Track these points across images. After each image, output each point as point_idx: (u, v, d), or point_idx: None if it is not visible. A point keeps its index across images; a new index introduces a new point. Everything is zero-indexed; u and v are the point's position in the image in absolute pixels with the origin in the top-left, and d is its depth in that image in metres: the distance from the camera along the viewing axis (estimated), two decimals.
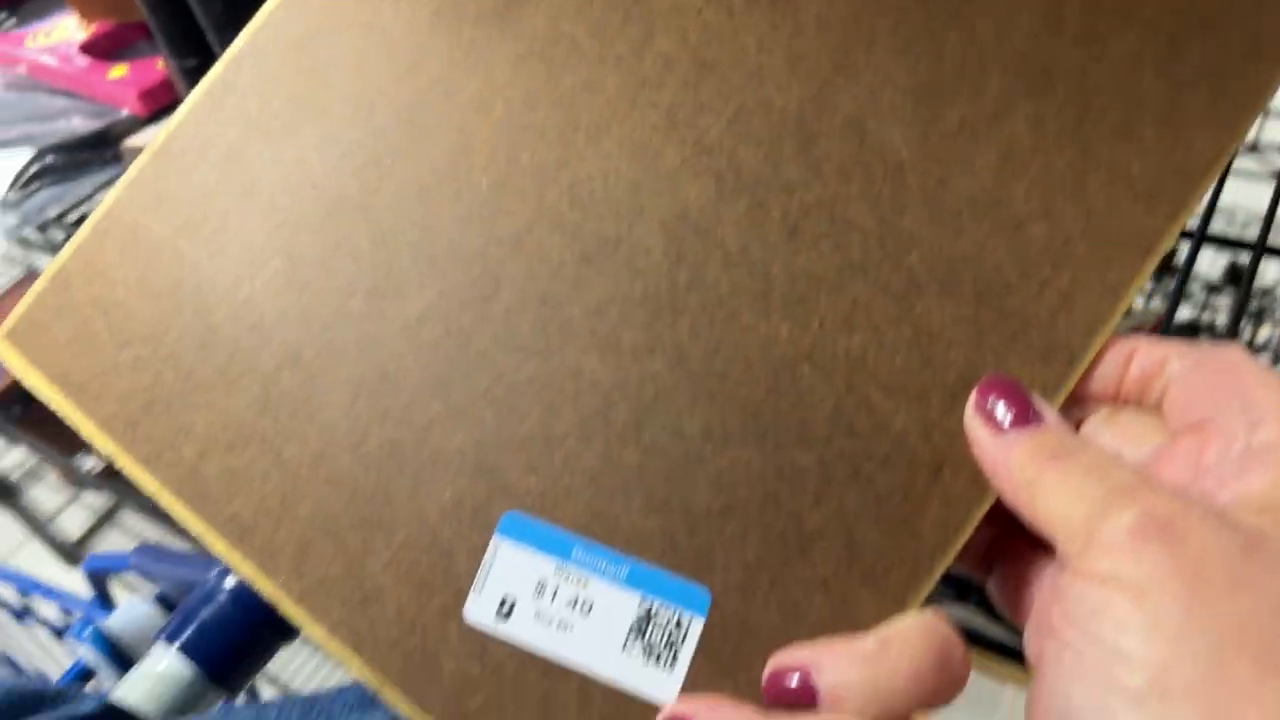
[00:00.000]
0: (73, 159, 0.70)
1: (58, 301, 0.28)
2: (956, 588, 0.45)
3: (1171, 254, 0.72)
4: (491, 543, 0.25)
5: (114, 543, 1.40)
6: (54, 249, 0.69)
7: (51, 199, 0.70)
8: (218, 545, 0.26)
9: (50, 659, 0.82)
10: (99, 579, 0.58)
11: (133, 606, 0.51)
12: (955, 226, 0.25)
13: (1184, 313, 0.96)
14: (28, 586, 0.62)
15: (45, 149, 0.69)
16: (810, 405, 0.25)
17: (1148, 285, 0.89)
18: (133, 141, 0.68)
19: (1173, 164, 0.24)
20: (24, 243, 0.71)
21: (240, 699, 0.45)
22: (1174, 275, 0.88)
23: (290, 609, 0.25)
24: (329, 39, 0.28)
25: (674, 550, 0.24)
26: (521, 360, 0.26)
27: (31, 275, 1.20)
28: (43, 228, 0.70)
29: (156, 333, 0.27)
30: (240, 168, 0.27)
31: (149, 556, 0.50)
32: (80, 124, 0.70)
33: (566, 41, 0.27)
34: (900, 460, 0.24)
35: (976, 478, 0.24)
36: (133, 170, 0.28)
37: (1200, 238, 0.44)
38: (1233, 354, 0.22)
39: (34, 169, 0.69)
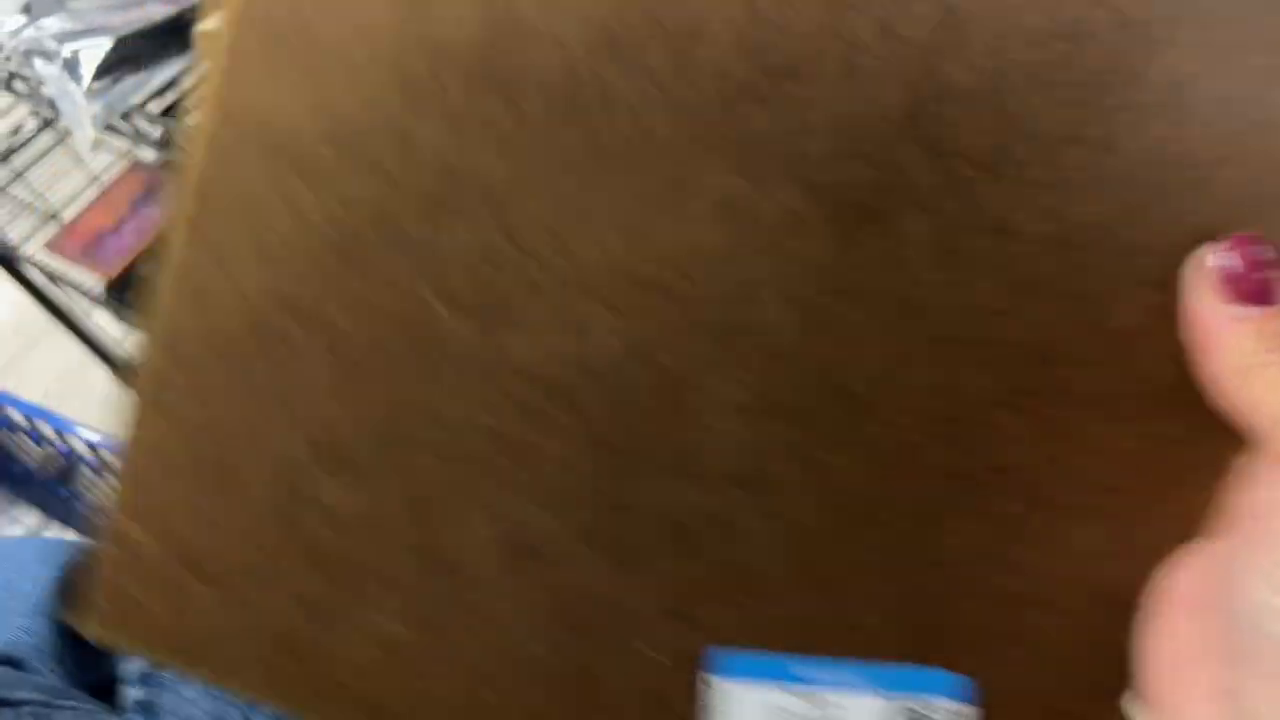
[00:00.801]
0: (151, 46, 0.71)
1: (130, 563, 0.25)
2: None
3: None
4: (710, 683, 0.23)
5: None
6: (139, 137, 0.71)
7: (134, 87, 0.71)
8: None
9: None
10: None
11: None
12: None
13: None
14: None
15: (125, 37, 0.71)
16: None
17: None
18: (205, 26, 0.69)
19: None
20: (111, 130, 0.73)
21: None
22: None
23: None
24: None
25: (900, 642, 0.22)
26: (683, 491, 0.23)
27: (137, 166, 1.25)
28: (126, 115, 0.72)
29: (256, 561, 0.24)
30: None
31: None
32: (155, 10, 0.70)
33: None
34: None
35: None
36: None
37: None
38: None
39: (115, 58, 0.71)
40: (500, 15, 0.22)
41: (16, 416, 0.75)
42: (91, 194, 1.27)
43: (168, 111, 0.73)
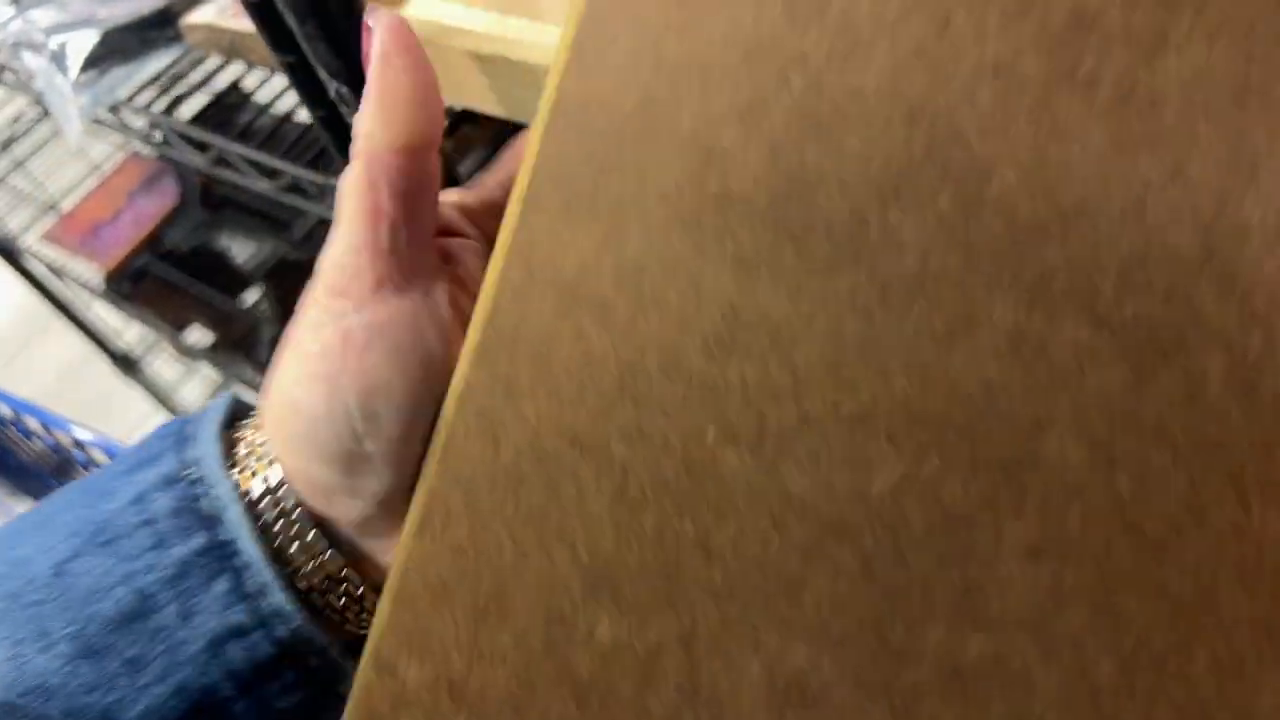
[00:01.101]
0: (138, 39, 0.70)
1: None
2: None
3: None
4: None
5: None
6: (126, 129, 0.70)
7: (121, 79, 0.70)
8: None
9: None
10: None
11: None
12: None
13: None
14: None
15: (113, 30, 0.70)
16: None
17: None
18: (192, 19, 0.68)
19: None
20: (99, 123, 0.72)
21: None
22: None
23: None
24: None
25: None
26: (965, 635, 0.22)
27: (135, 156, 1.24)
28: (114, 108, 0.72)
29: (517, 692, 0.24)
30: None
31: None
32: (143, 2, 0.70)
33: None
34: None
35: None
36: None
37: None
38: None
39: (102, 50, 0.70)
40: (789, 165, 0.23)
41: (5, 410, 0.75)
42: (91, 184, 1.27)
43: (155, 104, 0.73)
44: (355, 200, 0.23)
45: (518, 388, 0.24)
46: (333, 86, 0.48)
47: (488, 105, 0.56)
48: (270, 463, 0.25)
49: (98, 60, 0.70)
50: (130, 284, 1.17)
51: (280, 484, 0.24)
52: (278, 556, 0.24)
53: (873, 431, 0.23)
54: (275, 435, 0.25)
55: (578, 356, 0.24)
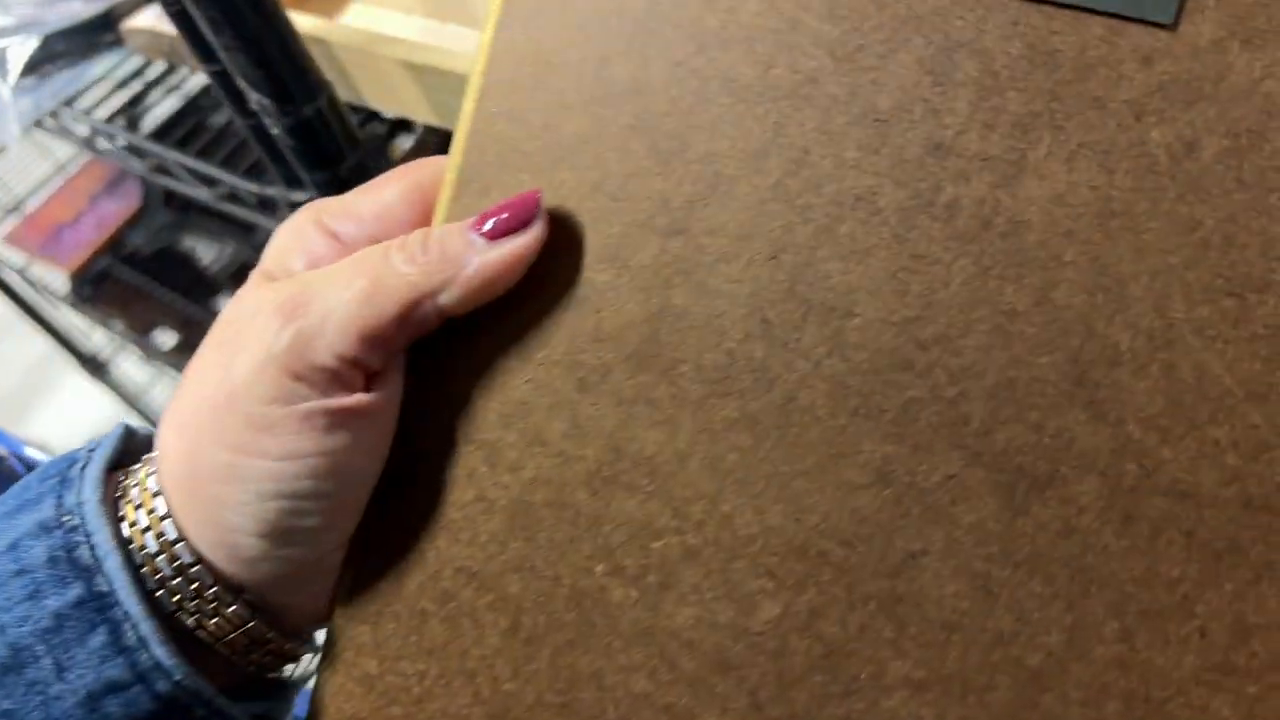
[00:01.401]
0: (79, 43, 0.69)
1: None
2: None
3: None
4: None
5: None
6: (67, 134, 0.69)
7: (63, 84, 0.70)
8: None
9: None
10: None
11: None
12: None
13: None
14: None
15: (53, 34, 0.69)
16: None
17: None
18: (133, 22, 0.67)
19: None
20: (39, 127, 0.71)
21: None
22: None
23: None
24: None
25: None
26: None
27: (99, 158, 1.23)
28: (54, 114, 0.71)
29: None
30: None
31: None
32: (82, 7, 0.69)
33: None
34: None
35: None
36: None
37: None
38: None
39: (42, 55, 0.69)
40: (658, 303, 0.23)
41: None
42: (58, 184, 1.25)
43: (97, 109, 0.72)
44: (355, 308, 0.23)
45: (416, 528, 0.25)
46: (253, 97, 0.47)
47: (421, 114, 0.55)
48: (164, 517, 0.23)
49: (38, 64, 0.69)
50: (92, 287, 1.16)
51: (178, 539, 0.23)
52: (170, 606, 0.23)
53: (752, 565, 0.23)
54: (193, 494, 0.23)
55: (470, 496, 0.25)
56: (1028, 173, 0.21)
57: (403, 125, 0.57)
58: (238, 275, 1.20)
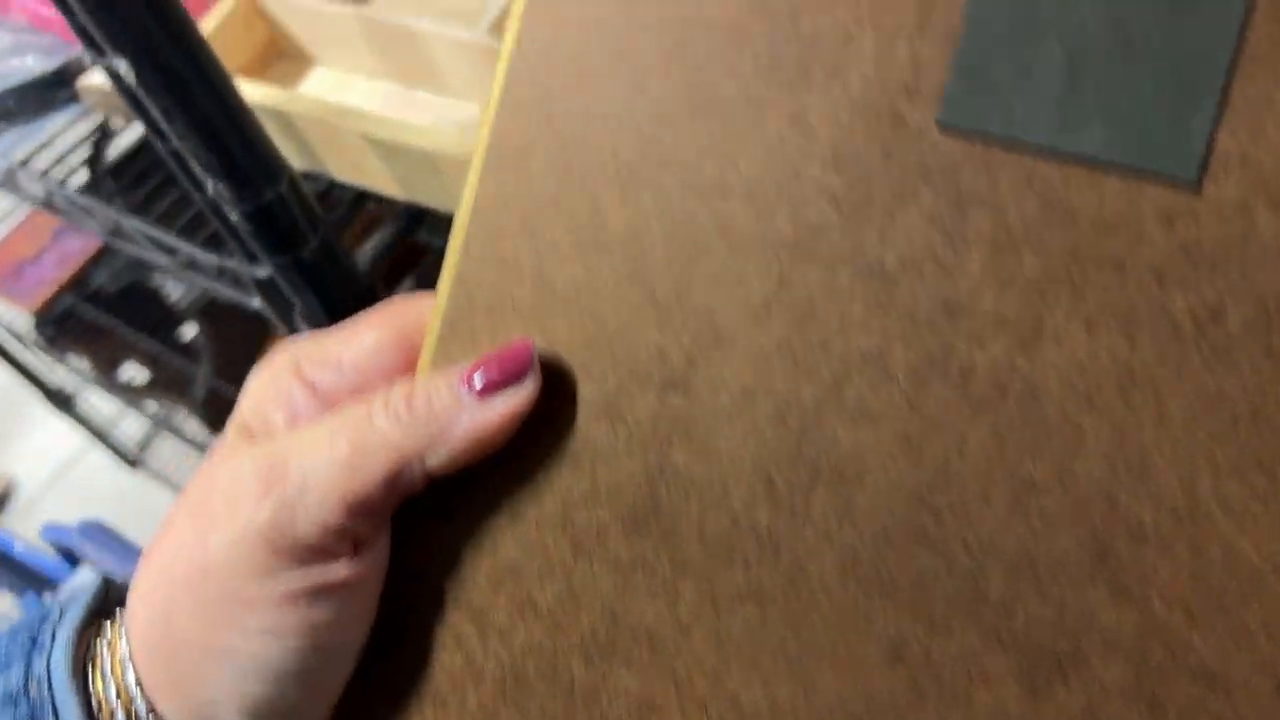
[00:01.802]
0: (33, 100, 0.67)
1: None
2: None
3: None
4: None
5: (173, 450, 1.44)
6: (21, 192, 0.67)
7: (15, 142, 0.67)
8: None
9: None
10: (60, 546, 0.58)
11: (78, 575, 0.50)
12: None
13: None
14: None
15: (4, 92, 0.67)
16: None
17: None
18: (89, 80, 0.65)
19: None
20: None
21: None
22: None
23: None
24: None
25: None
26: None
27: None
28: (10, 173, 0.68)
29: None
30: None
31: (93, 540, 0.50)
32: (35, 63, 0.66)
33: None
34: None
35: None
36: None
37: None
38: None
39: None
40: (657, 464, 0.22)
41: None
42: (19, 217, 1.22)
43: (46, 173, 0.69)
44: (343, 482, 0.22)
45: (403, 698, 0.24)
46: (210, 184, 0.45)
47: (386, 187, 0.53)
48: (136, 685, 0.23)
49: None
50: (55, 327, 1.13)
51: (149, 711, 0.22)
52: None
53: None
54: (168, 668, 0.23)
55: (459, 662, 0.23)
56: (1045, 337, 0.20)
57: (370, 195, 0.55)
58: (206, 310, 1.17)
